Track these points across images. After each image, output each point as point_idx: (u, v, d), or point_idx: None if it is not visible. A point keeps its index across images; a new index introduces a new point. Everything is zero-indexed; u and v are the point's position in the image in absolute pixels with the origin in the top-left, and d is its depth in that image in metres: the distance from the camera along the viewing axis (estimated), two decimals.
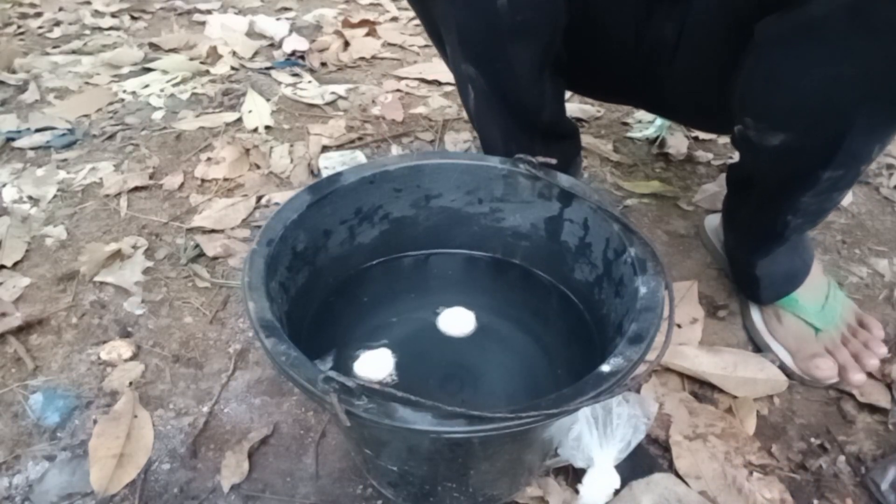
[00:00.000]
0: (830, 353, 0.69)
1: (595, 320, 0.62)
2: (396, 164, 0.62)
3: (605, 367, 0.43)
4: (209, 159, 1.08)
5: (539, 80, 0.70)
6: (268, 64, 1.43)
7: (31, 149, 1.12)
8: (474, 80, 0.70)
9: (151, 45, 1.52)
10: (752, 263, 0.71)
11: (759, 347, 0.74)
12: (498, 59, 0.66)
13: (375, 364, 0.57)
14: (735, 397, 0.68)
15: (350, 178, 0.60)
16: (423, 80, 1.37)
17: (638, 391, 0.69)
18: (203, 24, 1.62)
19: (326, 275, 0.63)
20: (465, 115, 1.23)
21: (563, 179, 0.61)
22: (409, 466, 0.51)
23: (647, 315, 0.47)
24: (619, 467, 0.60)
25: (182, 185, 1.03)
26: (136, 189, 1.02)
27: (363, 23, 1.59)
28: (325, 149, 1.12)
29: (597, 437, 0.59)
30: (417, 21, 1.68)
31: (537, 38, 0.65)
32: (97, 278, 0.84)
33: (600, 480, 0.58)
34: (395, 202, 0.64)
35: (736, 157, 0.69)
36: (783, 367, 0.71)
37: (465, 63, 0.69)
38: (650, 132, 1.17)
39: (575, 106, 1.23)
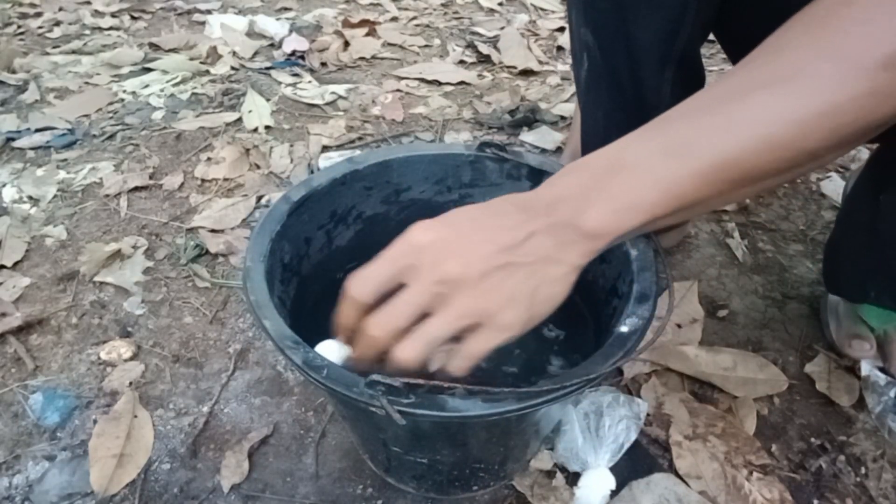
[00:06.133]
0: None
1: (578, 286, 0.63)
2: (365, 162, 0.62)
3: (624, 328, 0.45)
4: (209, 159, 1.08)
5: (660, 72, 0.64)
6: (268, 64, 1.43)
7: (31, 149, 1.12)
8: (590, 50, 0.65)
9: (151, 45, 1.52)
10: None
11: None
12: (618, 31, 0.61)
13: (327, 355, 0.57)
14: (735, 397, 0.68)
15: (321, 181, 0.60)
16: (423, 80, 1.37)
17: (638, 394, 0.69)
18: (203, 24, 1.63)
19: (311, 283, 0.62)
20: (465, 114, 1.23)
21: (531, 158, 0.61)
22: (442, 455, 0.52)
23: (646, 275, 0.50)
24: (619, 467, 0.60)
25: (182, 185, 1.03)
26: (136, 189, 1.02)
27: (363, 23, 1.59)
28: (325, 149, 1.12)
29: (590, 440, 0.60)
30: (418, 21, 1.68)
31: (663, 13, 0.59)
32: (97, 278, 0.84)
33: (596, 483, 0.59)
34: (367, 200, 0.64)
35: None
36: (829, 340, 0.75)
37: (585, 27, 0.64)
38: None
39: (570, 105, 1.23)
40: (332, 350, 0.58)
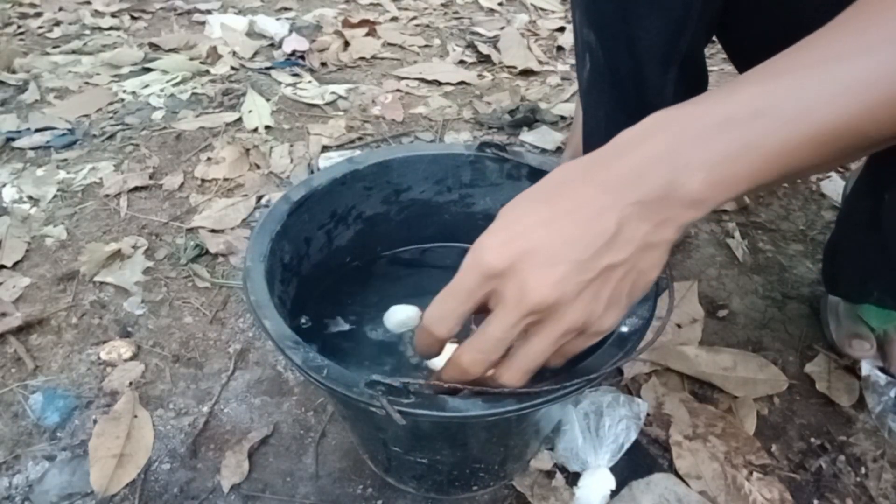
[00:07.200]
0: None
1: None
2: (365, 162, 0.62)
3: (624, 328, 0.45)
4: (209, 159, 1.08)
5: (663, 73, 0.63)
6: (268, 64, 1.43)
7: (31, 149, 1.12)
8: (593, 51, 0.65)
9: (151, 45, 1.52)
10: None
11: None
12: (621, 32, 0.61)
13: (402, 318, 0.58)
14: (735, 397, 0.68)
15: (321, 181, 0.60)
16: (423, 80, 1.37)
17: (638, 394, 0.69)
18: (203, 24, 1.62)
19: (311, 283, 0.63)
20: (465, 114, 1.23)
21: (532, 158, 0.61)
22: (442, 455, 0.52)
23: None
24: (619, 467, 0.60)
25: (182, 185, 1.03)
26: (136, 189, 1.02)
27: (363, 23, 1.60)
28: (325, 149, 1.12)
29: (590, 440, 0.60)
30: (418, 21, 1.68)
31: (666, 14, 0.58)
32: (97, 278, 0.84)
33: (596, 483, 0.59)
34: (367, 200, 0.64)
35: None
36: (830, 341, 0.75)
37: (587, 27, 0.64)
38: None
39: (570, 105, 1.23)
40: (406, 314, 0.58)
